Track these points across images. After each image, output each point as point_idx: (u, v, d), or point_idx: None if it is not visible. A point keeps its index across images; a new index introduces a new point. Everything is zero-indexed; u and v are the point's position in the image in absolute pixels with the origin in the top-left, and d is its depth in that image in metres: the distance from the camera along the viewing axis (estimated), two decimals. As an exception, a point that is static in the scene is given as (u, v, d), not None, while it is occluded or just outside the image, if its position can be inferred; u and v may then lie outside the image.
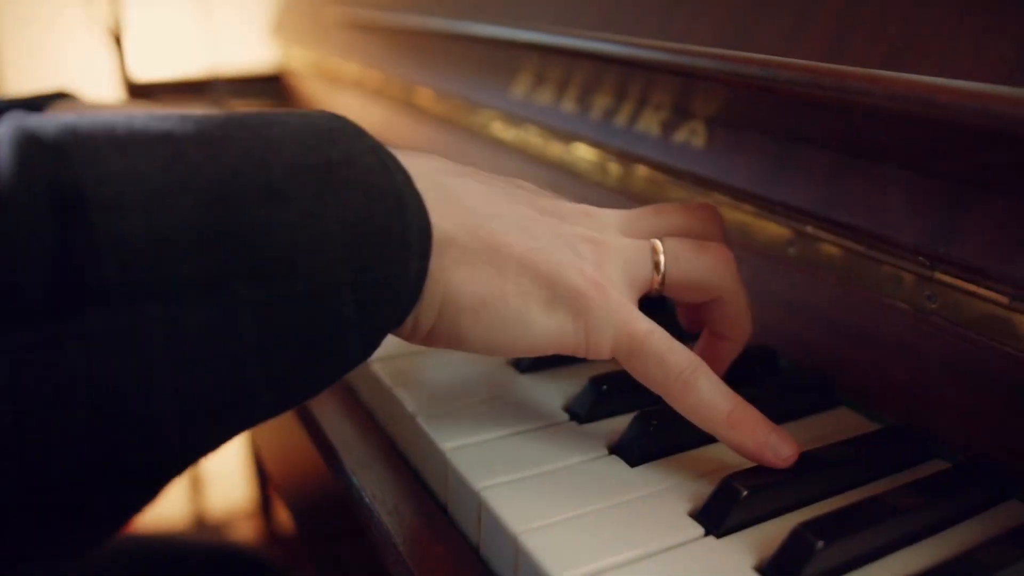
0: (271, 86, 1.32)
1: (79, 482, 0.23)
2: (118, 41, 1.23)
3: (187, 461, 0.26)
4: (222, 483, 1.48)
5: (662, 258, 0.35)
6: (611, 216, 0.37)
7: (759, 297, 0.46)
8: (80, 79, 1.46)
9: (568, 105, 0.59)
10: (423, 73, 0.80)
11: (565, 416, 0.38)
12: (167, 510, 1.45)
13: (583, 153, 0.58)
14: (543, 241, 0.33)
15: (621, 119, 0.54)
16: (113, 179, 0.23)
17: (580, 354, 0.34)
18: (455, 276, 0.31)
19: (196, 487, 1.46)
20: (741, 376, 0.40)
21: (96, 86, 1.43)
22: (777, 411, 0.39)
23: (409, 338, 0.33)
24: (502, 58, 0.67)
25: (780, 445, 0.33)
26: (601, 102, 0.56)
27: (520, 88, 0.64)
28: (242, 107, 1.14)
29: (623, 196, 0.55)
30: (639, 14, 0.51)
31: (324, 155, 0.28)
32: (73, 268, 0.21)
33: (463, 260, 0.31)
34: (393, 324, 0.31)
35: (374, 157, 0.29)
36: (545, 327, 0.33)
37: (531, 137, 0.64)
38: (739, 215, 0.46)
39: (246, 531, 1.46)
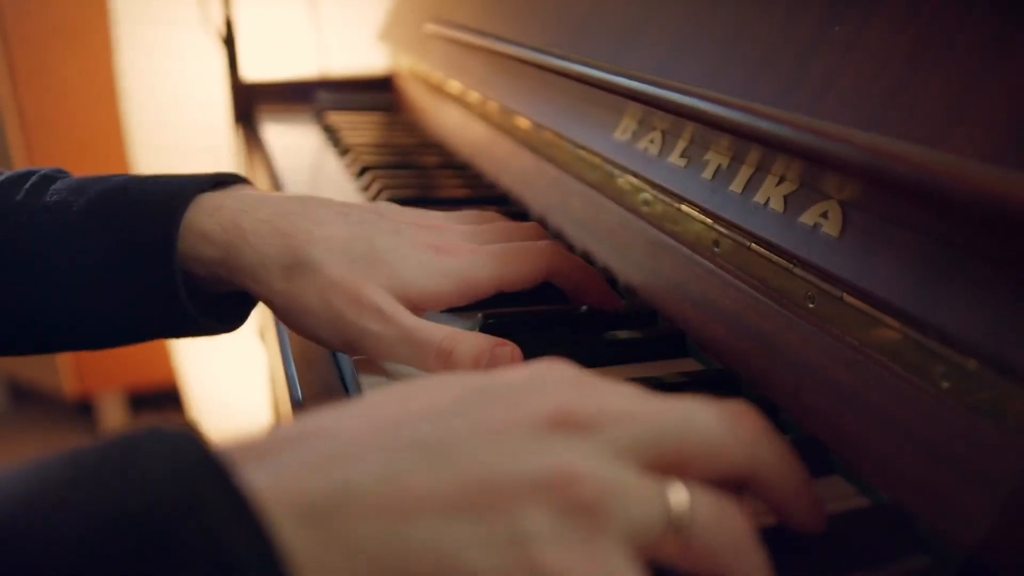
0: (382, 88, 1.28)
1: None
2: (229, 41, 1.21)
3: None
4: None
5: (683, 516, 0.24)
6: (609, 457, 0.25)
7: (896, 430, 0.36)
8: (192, 78, 1.46)
9: (675, 159, 0.50)
10: (520, 101, 0.73)
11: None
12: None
13: (689, 212, 0.50)
14: (473, 550, 0.22)
15: (736, 185, 0.45)
16: None
17: None
18: None
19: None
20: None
21: (207, 85, 1.43)
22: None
23: None
24: (604, 98, 0.58)
25: None
26: (713, 161, 0.47)
27: (621, 133, 0.56)
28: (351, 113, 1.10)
29: (738, 277, 0.46)
30: (765, 66, 0.42)
31: None
32: None
33: None
34: None
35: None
36: None
37: (633, 186, 0.56)
38: (879, 328, 0.37)
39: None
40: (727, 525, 0.25)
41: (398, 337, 0.42)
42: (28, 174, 0.49)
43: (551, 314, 0.50)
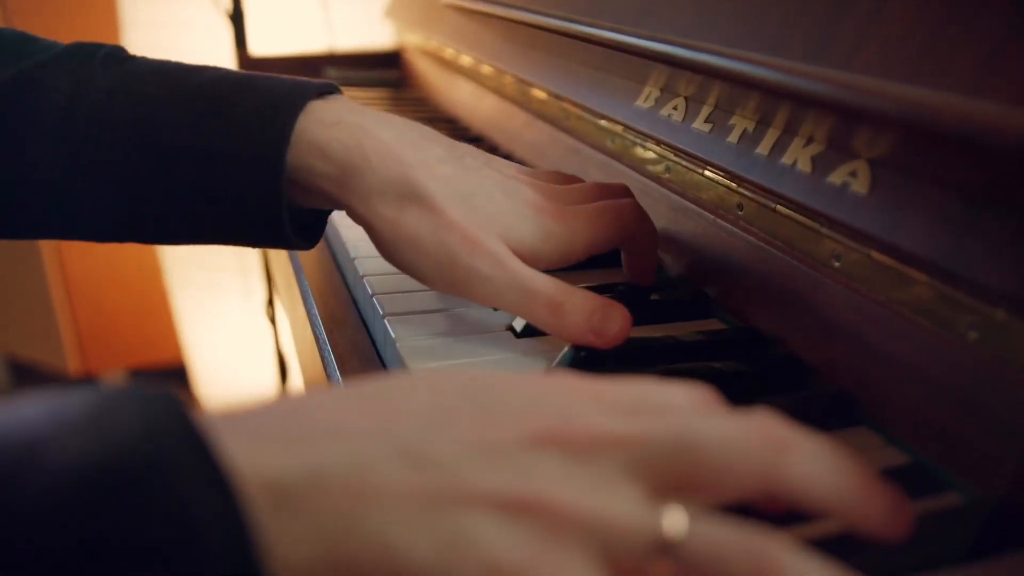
0: (390, 64, 1.28)
1: None
2: (237, 16, 1.21)
3: None
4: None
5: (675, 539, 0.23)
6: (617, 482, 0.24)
7: (924, 382, 0.37)
8: (199, 54, 1.45)
9: (699, 125, 0.51)
10: (537, 72, 0.73)
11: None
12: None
13: (712, 177, 0.50)
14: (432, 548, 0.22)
15: (762, 148, 0.46)
16: None
17: None
18: None
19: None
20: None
21: (214, 62, 1.43)
22: None
23: None
24: (626, 66, 0.59)
25: None
26: (739, 126, 0.48)
27: (644, 100, 0.57)
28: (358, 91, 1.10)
29: (762, 239, 0.47)
30: (792, 27, 0.43)
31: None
32: None
33: None
34: None
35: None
36: None
37: (656, 153, 0.56)
38: (906, 282, 0.38)
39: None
40: (733, 556, 0.23)
41: (509, 283, 0.42)
42: (92, 47, 0.47)
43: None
